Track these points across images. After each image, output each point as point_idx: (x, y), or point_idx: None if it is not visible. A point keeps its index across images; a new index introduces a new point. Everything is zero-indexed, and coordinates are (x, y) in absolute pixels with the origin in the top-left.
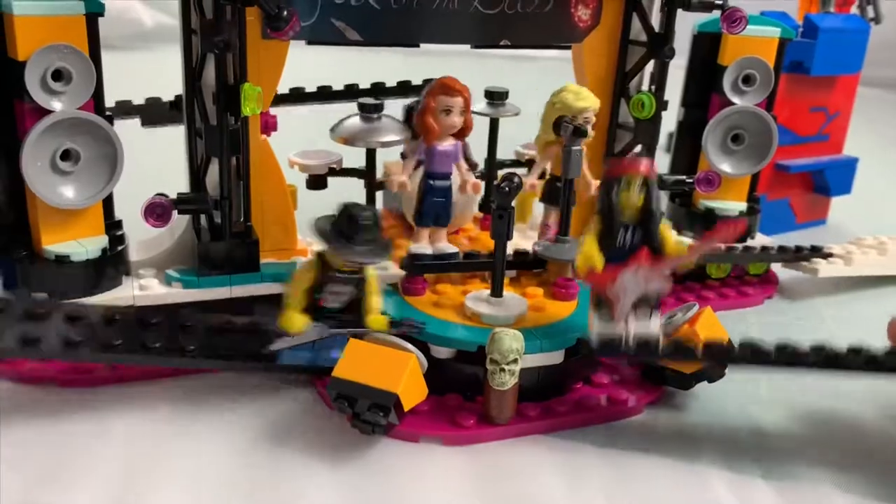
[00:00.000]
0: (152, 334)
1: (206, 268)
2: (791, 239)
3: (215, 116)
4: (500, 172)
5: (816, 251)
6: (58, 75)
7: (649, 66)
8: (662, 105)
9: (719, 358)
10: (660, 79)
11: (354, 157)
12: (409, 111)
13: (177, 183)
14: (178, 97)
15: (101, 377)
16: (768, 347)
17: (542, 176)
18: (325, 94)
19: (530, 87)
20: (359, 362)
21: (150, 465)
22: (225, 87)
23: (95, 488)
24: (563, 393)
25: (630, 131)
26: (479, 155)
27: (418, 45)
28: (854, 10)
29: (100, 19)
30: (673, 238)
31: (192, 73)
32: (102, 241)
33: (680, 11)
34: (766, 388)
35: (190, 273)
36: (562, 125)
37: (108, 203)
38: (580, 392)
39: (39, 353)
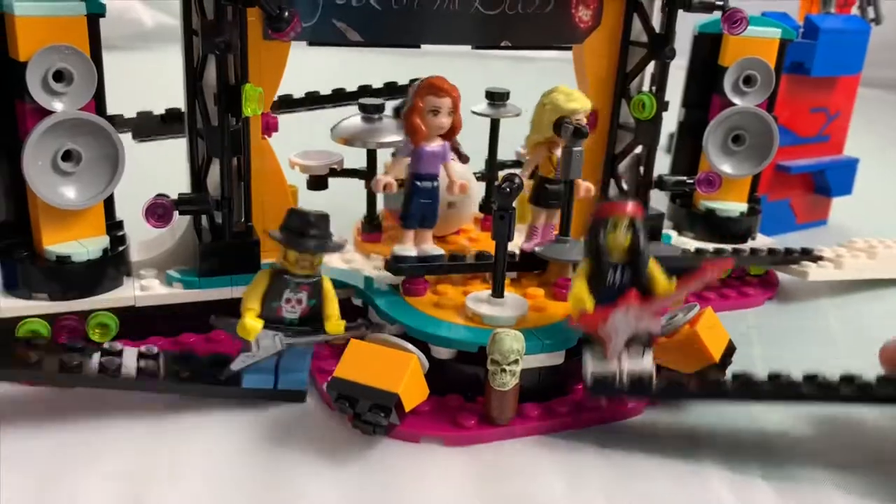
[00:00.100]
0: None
1: (207, 268)
2: (792, 240)
3: (216, 117)
4: (501, 173)
5: (806, 254)
6: (59, 76)
7: (650, 67)
8: (663, 106)
9: (711, 395)
10: (660, 79)
11: (355, 158)
12: (397, 111)
13: (178, 183)
14: (168, 110)
15: None
16: (760, 379)
17: (530, 177)
18: (313, 100)
19: (531, 88)
20: (360, 363)
21: (151, 465)
22: (226, 87)
23: (95, 488)
24: (564, 393)
25: (631, 132)
26: (480, 155)
27: (419, 46)
28: (854, 10)
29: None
30: (662, 277)
31: (194, 74)
32: (103, 241)
33: (681, 12)
34: None
35: (191, 273)
36: (562, 126)
37: (109, 203)
38: (581, 392)
39: None
